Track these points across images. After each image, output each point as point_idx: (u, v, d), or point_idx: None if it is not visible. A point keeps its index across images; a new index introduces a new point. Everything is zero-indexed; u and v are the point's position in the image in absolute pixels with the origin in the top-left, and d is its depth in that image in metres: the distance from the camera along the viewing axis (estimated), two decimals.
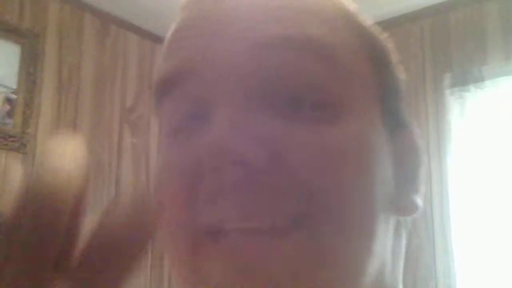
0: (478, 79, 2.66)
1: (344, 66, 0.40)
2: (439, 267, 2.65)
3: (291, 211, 0.36)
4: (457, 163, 2.63)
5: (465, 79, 2.69)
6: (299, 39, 0.39)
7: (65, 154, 0.24)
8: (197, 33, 0.41)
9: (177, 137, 0.41)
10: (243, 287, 0.36)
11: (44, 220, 0.23)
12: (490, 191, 2.53)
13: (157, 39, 3.25)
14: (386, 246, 0.42)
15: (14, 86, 2.63)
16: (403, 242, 0.46)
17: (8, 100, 2.61)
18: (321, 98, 0.38)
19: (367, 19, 0.45)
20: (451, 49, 2.83)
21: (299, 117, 0.38)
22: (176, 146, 0.41)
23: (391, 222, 0.42)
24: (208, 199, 0.37)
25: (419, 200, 0.44)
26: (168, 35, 0.44)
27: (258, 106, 0.38)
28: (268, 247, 0.36)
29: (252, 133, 0.36)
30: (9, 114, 2.60)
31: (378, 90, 0.43)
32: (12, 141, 2.57)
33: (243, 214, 0.36)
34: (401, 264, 0.46)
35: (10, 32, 2.65)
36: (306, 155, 0.37)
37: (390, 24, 2.92)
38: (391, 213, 0.42)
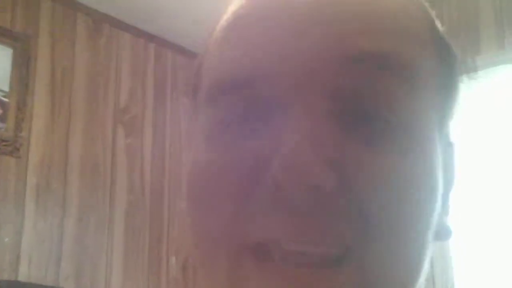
0: (471, 69, 2.64)
1: (423, 90, 0.38)
2: (436, 269, 2.63)
3: (346, 238, 0.35)
4: None
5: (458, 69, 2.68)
6: (392, 59, 0.36)
7: None
8: (274, 25, 0.37)
9: (226, 135, 0.38)
10: None
11: None
12: (486, 185, 2.51)
13: (151, 38, 3.24)
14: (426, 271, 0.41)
15: (7, 89, 2.62)
16: None
17: (1, 104, 2.61)
18: (397, 119, 0.36)
19: (439, 23, 0.43)
20: None
21: (373, 137, 0.36)
22: (224, 145, 0.38)
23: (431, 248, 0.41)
24: (263, 212, 0.35)
25: (451, 224, 0.43)
26: (235, 15, 0.40)
27: (333, 122, 0.35)
28: (317, 278, 0.34)
29: (326, 154, 0.34)
30: (2, 118, 2.60)
31: (441, 111, 0.41)
32: (5, 145, 2.56)
33: (299, 236, 0.34)
34: None
35: (2, 35, 2.65)
36: (373, 187, 0.35)
37: None
38: (433, 240, 0.40)
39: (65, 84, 2.84)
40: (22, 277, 2.50)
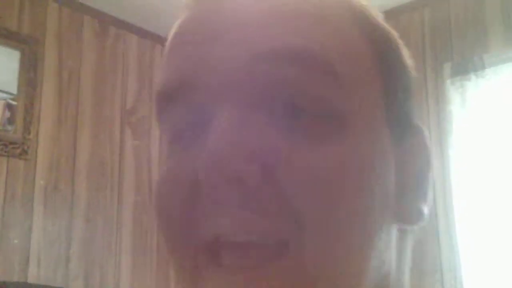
0: (479, 67, 2.63)
1: (348, 79, 0.38)
2: (444, 260, 2.63)
3: (281, 231, 0.36)
4: (459, 154, 2.60)
5: (466, 67, 2.66)
6: (301, 53, 0.37)
7: None
8: (199, 38, 0.39)
9: (177, 146, 0.40)
10: None
11: None
12: (493, 182, 2.51)
13: (157, 39, 3.24)
14: (388, 256, 0.40)
15: (15, 92, 2.64)
16: (409, 248, 0.44)
17: (9, 107, 2.63)
18: (322, 110, 0.37)
19: (376, 11, 0.43)
20: (452, 37, 2.80)
21: (299, 129, 0.36)
22: (176, 155, 0.40)
23: (393, 231, 0.41)
24: (205, 214, 0.37)
25: (425, 208, 0.42)
26: (170, 37, 0.43)
27: (256, 116, 0.37)
28: (260, 276, 0.35)
29: (247, 147, 0.35)
30: (10, 120, 2.62)
31: (385, 94, 0.40)
32: (14, 147, 2.58)
33: (236, 229, 0.36)
34: (407, 270, 0.44)
35: (10, 38, 2.66)
36: (299, 177, 0.35)
37: (390, 13, 2.89)
38: (392, 223, 0.40)
39: (72, 85, 2.86)
40: (31, 278, 2.51)
